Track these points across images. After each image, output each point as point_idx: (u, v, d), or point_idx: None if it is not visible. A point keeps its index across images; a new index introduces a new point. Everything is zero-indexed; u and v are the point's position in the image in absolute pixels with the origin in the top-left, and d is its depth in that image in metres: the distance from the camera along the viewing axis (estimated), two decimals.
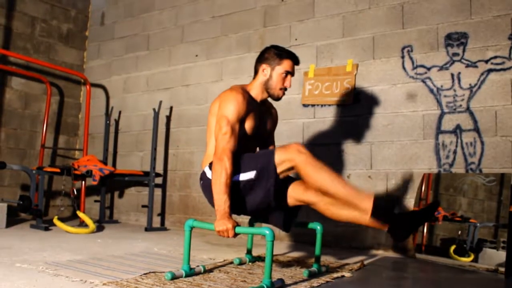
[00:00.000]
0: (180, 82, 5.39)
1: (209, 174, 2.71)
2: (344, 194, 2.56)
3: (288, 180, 2.73)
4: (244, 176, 2.61)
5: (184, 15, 5.47)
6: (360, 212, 2.57)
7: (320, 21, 4.49)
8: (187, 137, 5.24)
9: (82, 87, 6.26)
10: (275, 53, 2.87)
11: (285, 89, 2.91)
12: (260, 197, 2.61)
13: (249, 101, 2.78)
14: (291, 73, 2.89)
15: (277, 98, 2.93)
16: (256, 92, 2.90)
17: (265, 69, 2.87)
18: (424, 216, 2.61)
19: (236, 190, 2.58)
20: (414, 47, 4.00)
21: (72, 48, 6.20)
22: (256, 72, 2.93)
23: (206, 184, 2.73)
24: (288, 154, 2.56)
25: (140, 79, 5.75)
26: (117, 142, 5.85)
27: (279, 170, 2.58)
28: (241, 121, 2.71)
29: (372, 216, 2.54)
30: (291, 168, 2.59)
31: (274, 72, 2.86)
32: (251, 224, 3.15)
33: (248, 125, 2.77)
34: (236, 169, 2.59)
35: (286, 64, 2.86)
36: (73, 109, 6.20)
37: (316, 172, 2.55)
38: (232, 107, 2.65)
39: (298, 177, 2.70)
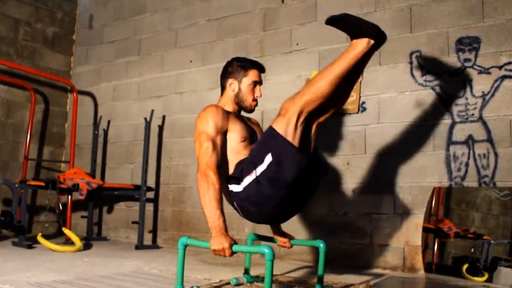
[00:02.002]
0: (173, 89, 5.40)
1: (233, 187, 2.70)
2: (345, 62, 2.58)
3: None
4: (261, 168, 2.56)
5: (177, 18, 5.50)
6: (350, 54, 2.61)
7: (323, 25, 4.48)
8: (181, 148, 5.24)
9: (69, 95, 6.27)
10: (239, 65, 2.97)
11: (256, 99, 2.99)
12: (293, 170, 2.50)
13: (227, 112, 2.86)
14: (259, 82, 2.98)
15: (251, 110, 3.01)
16: (229, 108, 2.96)
17: (232, 84, 2.96)
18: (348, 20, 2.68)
19: (263, 184, 2.55)
20: (423, 52, 4.02)
21: (58, 53, 6.22)
22: (223, 88, 3.02)
23: (240, 199, 2.70)
24: (288, 114, 2.51)
25: (131, 86, 5.76)
26: (106, 153, 5.85)
27: (289, 137, 2.50)
28: (224, 133, 2.77)
29: (375, 37, 2.61)
30: (298, 120, 2.51)
31: (242, 85, 2.95)
32: (249, 242, 3.16)
33: (235, 133, 2.81)
34: (248, 169, 2.60)
35: (252, 75, 2.96)
36: (59, 118, 6.20)
37: (319, 80, 2.53)
38: (209, 121, 2.72)
39: None
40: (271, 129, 2.55)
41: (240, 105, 2.98)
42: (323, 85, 2.50)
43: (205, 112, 2.77)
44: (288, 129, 2.50)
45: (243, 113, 3.05)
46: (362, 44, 2.57)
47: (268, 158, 2.53)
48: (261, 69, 3.02)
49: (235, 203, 2.76)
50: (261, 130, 3.15)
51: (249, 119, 3.10)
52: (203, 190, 2.52)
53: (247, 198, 2.64)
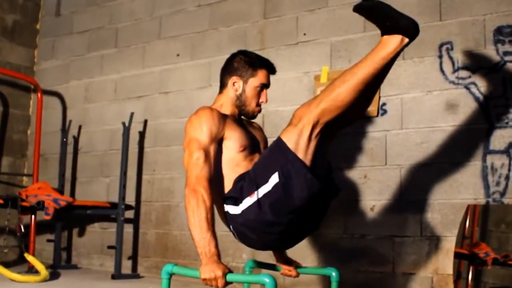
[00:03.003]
0: (157, 88, 5.42)
1: (230, 208, 2.68)
2: (372, 65, 2.49)
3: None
4: (265, 188, 2.53)
5: (162, 3, 5.52)
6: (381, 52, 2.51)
7: (336, 11, 4.54)
8: (166, 159, 5.26)
9: (32, 95, 6.29)
10: (247, 61, 2.91)
11: (260, 105, 2.96)
12: (304, 193, 2.47)
13: (224, 115, 2.80)
14: (267, 85, 2.95)
15: (253, 116, 2.98)
16: (228, 109, 2.93)
17: (235, 83, 2.91)
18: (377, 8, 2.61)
19: (267, 208, 2.51)
20: (455, 44, 4.04)
21: (19, 45, 6.24)
22: (223, 85, 2.97)
23: (237, 223, 2.68)
24: (300, 124, 2.47)
25: (106, 85, 5.78)
26: (77, 165, 5.87)
27: (301, 154, 2.47)
28: (220, 141, 2.73)
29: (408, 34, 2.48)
30: (313, 132, 2.47)
31: (247, 86, 2.90)
32: (247, 270, 3.16)
33: (233, 141, 2.76)
34: (250, 187, 2.56)
35: (261, 75, 2.91)
36: (20, 123, 6.22)
37: (338, 87, 2.46)
38: (202, 126, 2.67)
39: None
40: (279, 141, 2.51)
41: (240, 109, 2.94)
42: (344, 91, 2.44)
43: (197, 116, 2.73)
44: (300, 142, 2.47)
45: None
46: (395, 42, 2.47)
47: (274, 179, 2.49)
48: (271, 70, 2.97)
49: (231, 226, 2.74)
50: (264, 137, 3.14)
51: (250, 123, 3.08)
52: (192, 209, 2.49)
53: (245, 223, 2.60)
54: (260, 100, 2.93)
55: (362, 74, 2.45)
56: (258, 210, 2.52)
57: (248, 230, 2.63)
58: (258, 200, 2.52)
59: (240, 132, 2.82)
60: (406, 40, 2.46)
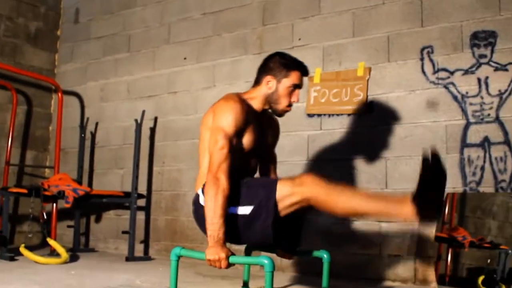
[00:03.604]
0: (166, 89, 5.41)
1: (202, 200, 2.66)
2: (378, 209, 2.53)
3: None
4: (239, 210, 2.58)
5: (170, 11, 5.51)
6: (391, 208, 2.51)
7: (327, 19, 4.53)
8: (174, 152, 5.25)
9: (53, 95, 6.28)
10: (281, 62, 2.85)
11: (291, 104, 2.89)
12: (256, 237, 2.61)
13: (248, 112, 2.75)
14: (299, 86, 2.87)
15: (281, 114, 2.93)
16: (257, 104, 2.88)
17: (269, 81, 2.83)
18: (435, 177, 2.47)
19: (230, 222, 2.53)
20: (435, 48, 4.03)
21: (41, 50, 6.23)
22: (258, 82, 2.90)
23: (199, 212, 2.69)
24: (297, 189, 2.52)
25: (120, 86, 5.77)
26: (94, 158, 5.86)
27: (280, 206, 2.54)
28: (239, 134, 2.68)
29: (419, 220, 2.47)
30: (300, 203, 2.54)
31: (280, 85, 2.82)
32: (247, 252, 3.16)
33: (247, 139, 2.74)
34: (233, 198, 2.55)
35: (294, 76, 2.83)
36: (43, 120, 6.21)
37: (338, 197, 2.50)
38: (230, 118, 2.62)
39: None
40: (275, 184, 2.55)
41: (271, 106, 2.88)
42: (338, 204, 2.49)
43: (227, 104, 2.68)
44: (285, 199, 2.52)
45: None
46: (408, 213, 2.44)
47: (247, 210, 2.55)
48: (304, 72, 2.89)
49: (194, 207, 2.78)
50: (277, 133, 3.13)
51: (269, 119, 3.03)
52: (211, 194, 2.47)
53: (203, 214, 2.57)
54: (292, 100, 2.86)
55: (361, 209, 2.52)
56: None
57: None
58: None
59: (255, 130, 2.79)
60: (416, 219, 2.45)
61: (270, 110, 2.93)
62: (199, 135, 2.86)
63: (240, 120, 2.65)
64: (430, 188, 2.43)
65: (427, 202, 2.42)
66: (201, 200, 2.66)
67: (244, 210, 2.56)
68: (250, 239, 2.65)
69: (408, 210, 2.43)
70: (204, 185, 2.63)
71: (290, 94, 2.84)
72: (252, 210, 2.55)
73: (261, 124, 2.89)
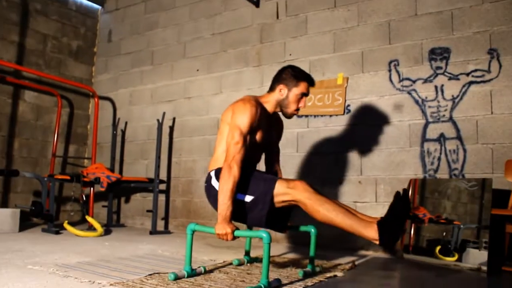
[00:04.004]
0: (182, 94, 5.38)
1: (214, 181, 2.69)
2: (348, 225, 2.51)
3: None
4: (245, 198, 2.60)
5: (186, 32, 5.47)
6: (359, 228, 2.50)
7: (313, 38, 4.50)
8: (189, 146, 5.23)
9: (91, 100, 6.24)
10: (292, 74, 2.83)
11: (299, 109, 2.88)
12: (254, 221, 2.64)
13: (262, 113, 2.75)
14: (306, 94, 2.86)
15: (290, 117, 2.91)
16: (270, 107, 2.86)
17: (282, 89, 2.82)
18: (400, 213, 2.47)
19: (237, 205, 2.55)
20: (400, 61, 4.01)
21: (81, 63, 6.20)
22: (272, 89, 2.87)
23: (209, 189, 2.73)
24: (290, 190, 2.54)
25: (145, 92, 5.74)
26: (124, 151, 5.83)
27: (275, 200, 2.57)
28: (252, 132, 2.68)
29: (379, 244, 2.45)
30: (290, 201, 2.57)
31: (290, 93, 2.82)
32: (249, 227, 3.14)
33: (259, 135, 2.74)
34: (241, 186, 2.56)
35: (302, 86, 2.82)
36: (82, 120, 6.18)
37: (320, 206, 2.51)
38: (246, 119, 2.61)
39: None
40: (274, 181, 2.58)
41: (282, 110, 2.88)
42: (319, 213, 2.51)
43: (244, 106, 2.67)
44: (279, 196, 2.55)
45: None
46: (371, 235, 2.44)
47: (249, 198, 2.58)
48: (311, 83, 2.88)
49: (206, 185, 2.77)
50: (280, 129, 3.11)
51: (276, 118, 3.01)
52: (224, 179, 2.48)
53: (213, 192, 2.65)
54: (299, 105, 2.85)
55: (336, 222, 2.53)
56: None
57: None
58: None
59: (265, 128, 2.79)
60: (376, 242, 2.44)
61: (280, 113, 2.93)
62: (210, 132, 2.85)
63: (254, 121, 2.65)
64: (395, 219, 2.45)
65: (389, 230, 2.43)
66: (212, 181, 2.70)
67: (248, 198, 2.59)
68: (249, 221, 2.67)
69: (372, 233, 2.44)
70: (217, 171, 2.68)
71: (298, 100, 2.84)
72: (253, 200, 2.58)
73: (271, 123, 2.91)
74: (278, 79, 2.87)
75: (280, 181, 2.58)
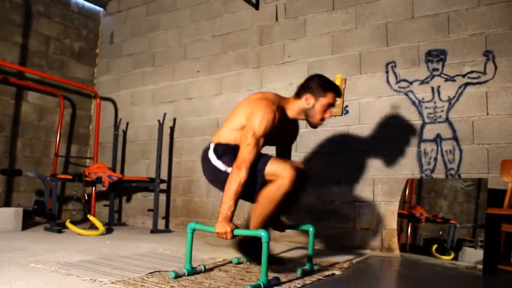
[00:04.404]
0: (183, 95, 5.38)
1: (211, 153, 2.74)
2: (254, 221, 2.64)
3: None
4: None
5: (186, 34, 5.47)
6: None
7: (311, 40, 4.50)
8: (189, 146, 5.22)
9: (93, 100, 6.24)
10: (320, 84, 2.79)
11: (324, 119, 2.83)
12: (252, 199, 2.69)
13: (280, 118, 2.70)
14: (333, 105, 2.81)
15: (315, 126, 2.87)
16: (293, 113, 2.82)
17: (308, 99, 2.78)
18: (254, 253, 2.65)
19: (249, 186, 2.58)
20: (398, 63, 4.01)
21: (83, 65, 6.19)
22: (298, 96, 2.82)
23: (204, 159, 2.78)
24: (278, 173, 2.54)
25: (146, 93, 5.74)
26: (125, 151, 5.83)
27: (266, 177, 2.59)
28: (265, 135, 2.63)
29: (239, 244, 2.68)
30: (273, 182, 2.57)
31: (317, 103, 2.77)
32: (248, 226, 3.14)
33: (272, 136, 2.70)
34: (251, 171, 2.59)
35: (330, 97, 2.78)
36: (85, 120, 6.18)
37: (272, 199, 2.56)
38: (262, 124, 2.58)
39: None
40: (269, 159, 2.60)
41: (307, 119, 2.83)
42: (269, 206, 2.60)
43: (265, 109, 2.61)
44: (269, 175, 2.57)
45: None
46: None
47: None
48: (338, 94, 2.83)
49: (203, 154, 2.82)
50: (295, 132, 3.08)
51: (294, 121, 2.94)
52: (230, 179, 2.49)
53: (219, 176, 2.70)
54: (325, 116, 2.81)
55: (258, 214, 2.65)
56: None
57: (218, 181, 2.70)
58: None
59: (280, 131, 2.78)
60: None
61: (305, 121, 2.88)
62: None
63: (270, 126, 2.62)
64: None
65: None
66: (209, 152, 2.75)
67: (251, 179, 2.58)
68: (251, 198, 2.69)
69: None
70: (217, 143, 2.75)
71: (324, 111, 2.80)
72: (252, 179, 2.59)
73: (287, 126, 2.86)
74: (305, 88, 2.81)
75: (274, 162, 2.58)
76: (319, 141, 4.30)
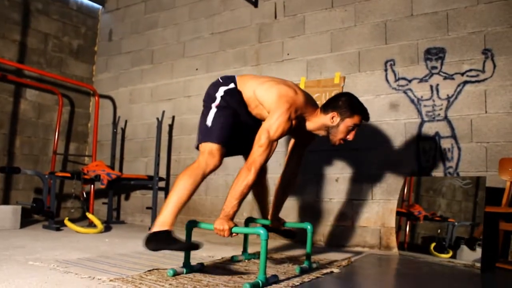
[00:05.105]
0: (181, 93, 5.38)
1: (221, 88, 2.78)
2: (167, 200, 2.62)
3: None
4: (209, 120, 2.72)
5: (185, 32, 5.47)
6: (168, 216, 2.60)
7: (310, 37, 4.50)
8: (188, 144, 5.22)
9: (91, 98, 6.24)
10: (349, 104, 2.70)
11: (346, 140, 2.76)
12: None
13: (297, 126, 2.67)
14: (358, 126, 2.75)
15: (333, 145, 2.79)
16: (313, 126, 2.77)
17: (334, 117, 2.70)
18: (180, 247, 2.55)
19: None
20: (396, 61, 4.01)
21: (82, 62, 6.19)
22: (325, 111, 2.74)
23: (212, 87, 2.85)
24: (201, 153, 2.64)
25: (145, 91, 5.73)
26: (124, 148, 5.83)
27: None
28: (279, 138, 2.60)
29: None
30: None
31: (342, 123, 2.70)
32: (247, 224, 3.15)
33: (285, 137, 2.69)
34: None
35: (356, 119, 2.71)
36: (83, 118, 6.17)
37: (187, 177, 2.60)
38: (279, 128, 2.55)
39: None
40: (212, 138, 2.65)
41: (328, 136, 2.76)
42: (186, 182, 2.62)
43: (285, 115, 2.56)
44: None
45: None
46: (155, 229, 2.52)
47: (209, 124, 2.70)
48: (366, 118, 2.76)
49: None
50: (311, 140, 3.04)
51: (313, 135, 2.89)
52: (238, 179, 2.47)
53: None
54: (348, 137, 2.74)
55: (175, 192, 2.66)
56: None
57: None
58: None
59: (294, 134, 2.83)
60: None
61: (326, 137, 2.80)
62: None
63: (287, 131, 2.59)
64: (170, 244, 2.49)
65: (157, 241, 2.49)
66: (220, 86, 2.79)
67: (208, 122, 2.72)
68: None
69: (156, 229, 2.52)
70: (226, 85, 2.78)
71: (348, 132, 2.73)
72: (207, 127, 2.72)
73: (301, 133, 2.84)
74: (333, 105, 2.73)
75: (210, 144, 2.63)
76: (318, 139, 4.29)
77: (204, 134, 2.68)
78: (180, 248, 2.46)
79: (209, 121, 2.70)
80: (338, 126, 2.71)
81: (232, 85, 2.78)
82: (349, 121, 2.70)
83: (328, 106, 2.74)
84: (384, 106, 4.01)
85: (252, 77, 2.86)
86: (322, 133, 2.79)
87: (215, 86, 2.82)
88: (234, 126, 2.71)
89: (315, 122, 2.76)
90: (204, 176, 2.61)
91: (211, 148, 2.62)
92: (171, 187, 2.64)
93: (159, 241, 2.45)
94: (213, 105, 2.74)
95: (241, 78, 2.82)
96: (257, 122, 2.76)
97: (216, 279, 2.37)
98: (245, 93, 2.76)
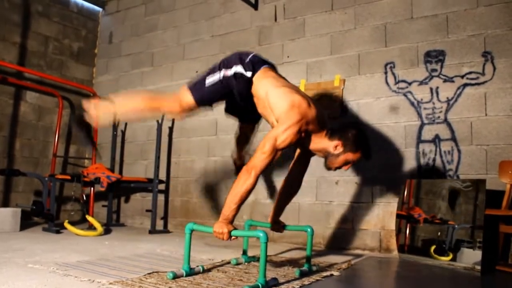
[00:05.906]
0: None
1: (238, 67, 2.83)
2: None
3: None
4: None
5: (185, 34, 5.47)
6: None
7: (310, 40, 4.50)
8: (188, 146, 5.22)
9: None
10: (356, 140, 2.68)
11: (340, 168, 2.75)
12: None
13: (302, 139, 2.66)
14: (356, 162, 2.75)
15: (328, 169, 2.78)
16: (315, 147, 2.75)
17: (338, 146, 2.68)
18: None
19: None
20: (396, 63, 4.01)
21: (82, 65, 6.19)
22: (331, 136, 2.71)
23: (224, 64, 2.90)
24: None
25: None
26: (123, 151, 5.83)
27: None
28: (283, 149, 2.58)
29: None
30: None
31: (343, 155, 2.68)
32: (246, 227, 3.15)
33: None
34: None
35: (358, 155, 2.70)
36: None
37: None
38: (287, 139, 2.52)
39: None
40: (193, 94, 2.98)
41: (325, 161, 2.75)
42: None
43: (293, 127, 2.53)
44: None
45: None
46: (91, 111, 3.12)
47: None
48: (367, 157, 2.76)
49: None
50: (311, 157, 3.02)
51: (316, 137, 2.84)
52: (238, 183, 2.45)
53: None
54: (343, 167, 2.74)
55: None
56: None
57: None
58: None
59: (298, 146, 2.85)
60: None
61: (323, 159, 2.79)
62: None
63: (292, 144, 2.58)
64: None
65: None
66: (240, 65, 2.84)
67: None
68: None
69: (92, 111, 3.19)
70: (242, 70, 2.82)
71: (345, 163, 2.72)
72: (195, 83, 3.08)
73: (305, 146, 2.81)
74: (341, 134, 2.70)
75: (190, 98, 2.98)
76: None
77: (195, 87, 2.98)
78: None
79: (208, 83, 2.89)
80: (339, 156, 2.70)
81: (249, 74, 2.80)
82: (350, 155, 2.69)
83: (336, 133, 2.71)
84: (384, 108, 4.01)
85: (273, 77, 2.84)
86: (320, 155, 2.79)
87: (239, 59, 2.87)
88: (221, 99, 3.02)
89: (318, 143, 2.74)
90: (159, 107, 3.17)
91: (187, 101, 2.97)
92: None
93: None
94: (222, 73, 2.85)
95: (263, 72, 2.84)
96: (247, 107, 2.92)
97: (216, 282, 2.37)
98: (256, 89, 2.79)
